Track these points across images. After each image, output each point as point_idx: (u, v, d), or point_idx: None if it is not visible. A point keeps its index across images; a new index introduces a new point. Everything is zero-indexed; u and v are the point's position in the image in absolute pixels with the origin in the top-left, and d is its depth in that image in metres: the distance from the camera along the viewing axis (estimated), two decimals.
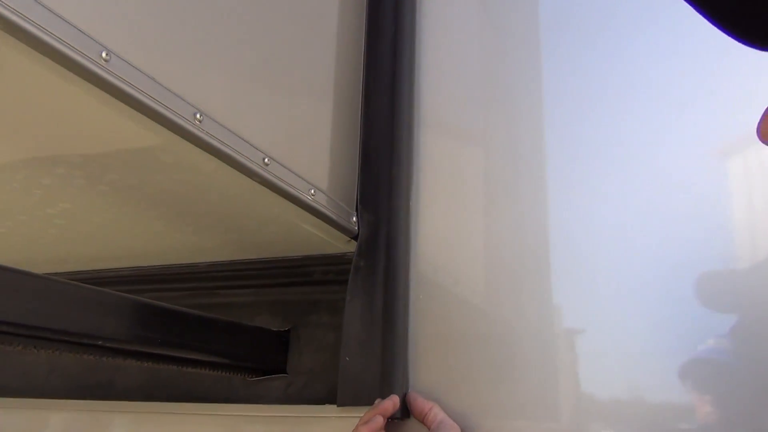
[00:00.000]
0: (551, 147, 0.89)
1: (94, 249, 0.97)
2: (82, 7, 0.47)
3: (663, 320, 0.77)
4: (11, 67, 0.48)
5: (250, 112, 0.67)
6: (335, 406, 0.83)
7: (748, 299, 0.75)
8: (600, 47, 0.90)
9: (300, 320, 0.95)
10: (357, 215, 0.86)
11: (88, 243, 0.94)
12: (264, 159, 0.67)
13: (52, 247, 0.95)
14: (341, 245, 0.88)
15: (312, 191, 0.75)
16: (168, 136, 0.57)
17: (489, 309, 0.85)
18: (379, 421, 0.77)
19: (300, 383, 0.93)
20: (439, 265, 0.89)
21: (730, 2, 0.44)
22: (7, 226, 0.87)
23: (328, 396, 0.89)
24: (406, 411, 0.82)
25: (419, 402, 0.81)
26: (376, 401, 0.80)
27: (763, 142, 0.43)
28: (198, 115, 0.58)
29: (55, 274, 1.03)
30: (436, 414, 0.79)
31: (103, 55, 0.48)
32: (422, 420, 0.80)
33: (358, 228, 0.86)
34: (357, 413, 0.84)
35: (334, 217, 0.80)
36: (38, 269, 1.01)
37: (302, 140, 0.77)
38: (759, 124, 0.43)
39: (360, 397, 0.81)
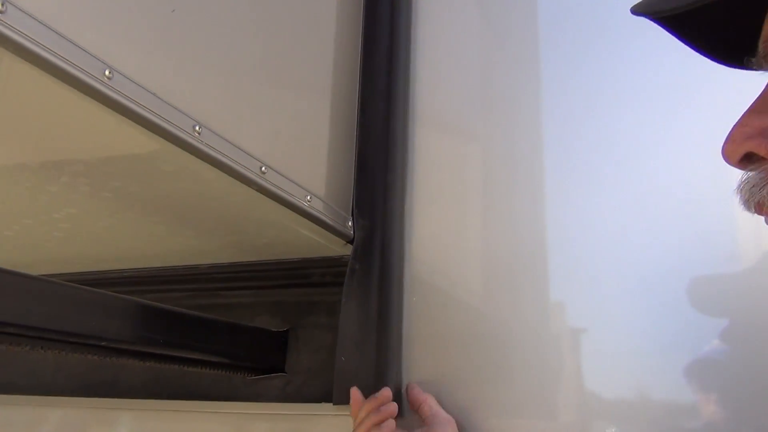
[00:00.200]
0: (548, 148, 0.90)
1: (98, 251, 0.99)
2: (86, 29, 0.49)
3: (662, 319, 0.78)
4: (20, 84, 0.51)
5: (248, 122, 0.69)
6: (331, 404, 0.85)
7: (750, 298, 0.74)
8: (599, 47, 0.91)
9: (298, 321, 0.97)
10: (352, 220, 0.88)
11: (92, 245, 0.96)
12: (261, 167, 0.69)
13: (57, 249, 0.98)
14: (338, 248, 0.90)
15: (308, 197, 0.78)
16: (168, 147, 0.60)
17: (486, 309, 0.87)
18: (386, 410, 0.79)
19: (298, 382, 0.95)
20: (435, 267, 0.91)
21: (696, 26, 0.46)
22: (14, 230, 0.89)
23: (325, 394, 0.91)
24: (399, 409, 0.84)
25: (415, 392, 0.83)
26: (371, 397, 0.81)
27: (728, 162, 0.44)
28: (197, 127, 0.60)
29: (60, 274, 1.06)
30: (431, 406, 0.81)
31: (107, 73, 0.51)
32: (417, 410, 0.82)
33: (354, 232, 0.88)
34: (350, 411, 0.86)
35: (330, 222, 0.82)
36: (43, 270, 1.05)
37: (298, 148, 0.80)
38: (723, 146, 0.44)
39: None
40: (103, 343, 0.70)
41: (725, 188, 0.78)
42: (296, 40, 0.81)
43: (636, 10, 0.44)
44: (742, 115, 0.44)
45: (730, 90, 0.85)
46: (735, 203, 0.44)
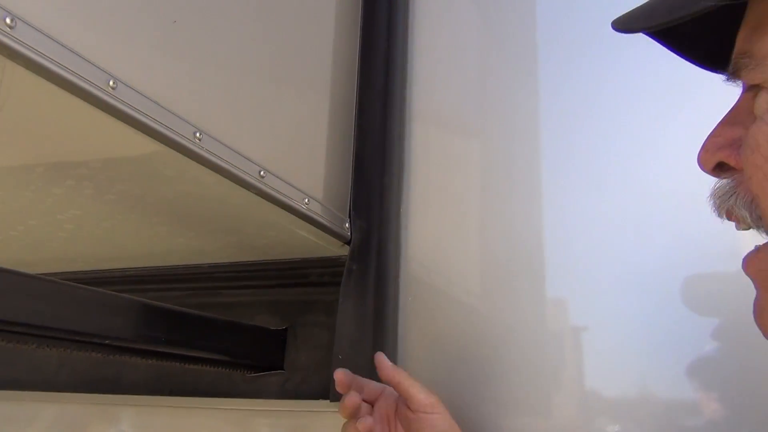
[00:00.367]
0: (545, 148, 0.90)
1: (102, 250, 1.01)
2: (91, 42, 0.51)
3: (662, 317, 0.78)
4: (29, 93, 0.53)
5: (247, 128, 0.71)
6: (329, 400, 0.87)
7: (751, 295, 0.74)
8: (597, 45, 0.91)
9: (297, 319, 0.99)
10: (349, 222, 0.90)
11: (96, 245, 0.98)
12: (260, 172, 0.71)
13: (61, 248, 1.00)
14: (335, 249, 0.92)
15: (306, 200, 0.80)
16: (170, 153, 0.62)
17: (483, 308, 0.88)
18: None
19: (297, 379, 0.97)
20: (432, 267, 0.93)
21: (679, 38, 0.48)
22: (19, 230, 0.91)
23: (323, 391, 0.92)
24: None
25: (385, 367, 0.74)
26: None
27: (703, 170, 0.46)
28: (198, 134, 0.62)
29: (63, 273, 1.08)
30: (417, 391, 0.72)
31: (111, 83, 0.53)
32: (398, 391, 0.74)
33: (351, 234, 0.90)
34: None
35: (327, 224, 0.84)
36: (47, 268, 1.07)
37: (296, 153, 0.82)
38: (698, 154, 0.46)
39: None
40: (106, 342, 0.72)
41: None
42: (294, 48, 0.83)
43: (613, 26, 0.46)
44: (716, 126, 0.46)
45: (728, 92, 0.86)
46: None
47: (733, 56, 0.43)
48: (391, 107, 0.96)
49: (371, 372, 0.86)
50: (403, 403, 0.74)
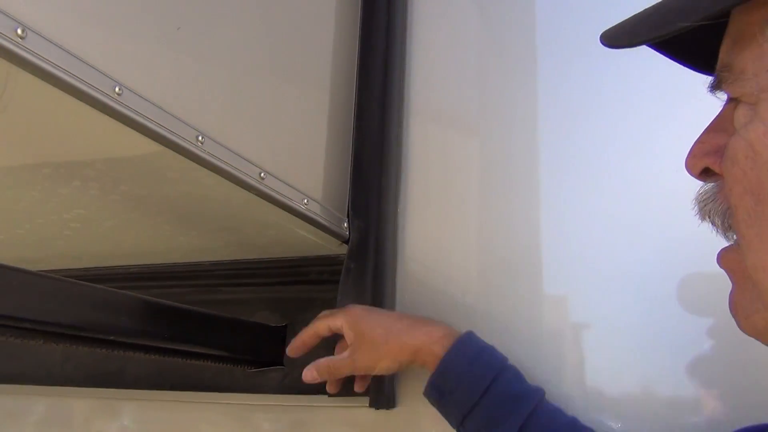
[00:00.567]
0: (544, 149, 0.91)
1: (105, 248, 1.03)
2: (98, 50, 0.53)
3: (662, 315, 0.78)
4: (38, 99, 0.55)
5: (247, 131, 0.73)
6: (327, 395, 0.90)
7: None
8: (597, 43, 0.87)
9: (296, 316, 1.01)
10: (348, 221, 0.92)
11: (100, 243, 1.00)
12: (260, 173, 0.73)
13: (66, 246, 1.02)
14: (334, 248, 0.94)
15: (305, 201, 0.82)
16: (173, 156, 0.64)
17: (480, 306, 0.88)
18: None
19: (296, 375, 0.97)
20: (429, 265, 0.93)
21: (668, 47, 0.49)
22: (26, 228, 0.93)
23: (321, 387, 0.93)
24: (391, 401, 0.88)
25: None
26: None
27: (690, 174, 0.48)
28: (200, 137, 0.64)
29: (69, 270, 1.10)
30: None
31: (117, 89, 0.55)
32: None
33: (349, 233, 0.92)
34: (346, 403, 0.90)
35: (326, 223, 0.86)
36: (52, 265, 1.09)
37: (296, 154, 0.84)
38: (686, 159, 0.48)
39: (348, 388, 0.88)
40: (111, 338, 0.75)
41: None
42: (294, 53, 0.85)
43: (601, 40, 0.48)
44: (702, 132, 0.48)
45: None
46: None
47: (717, 69, 0.44)
48: (389, 109, 0.97)
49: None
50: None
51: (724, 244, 0.47)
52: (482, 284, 0.90)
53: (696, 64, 0.50)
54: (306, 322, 0.99)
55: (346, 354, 0.80)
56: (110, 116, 0.55)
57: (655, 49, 0.50)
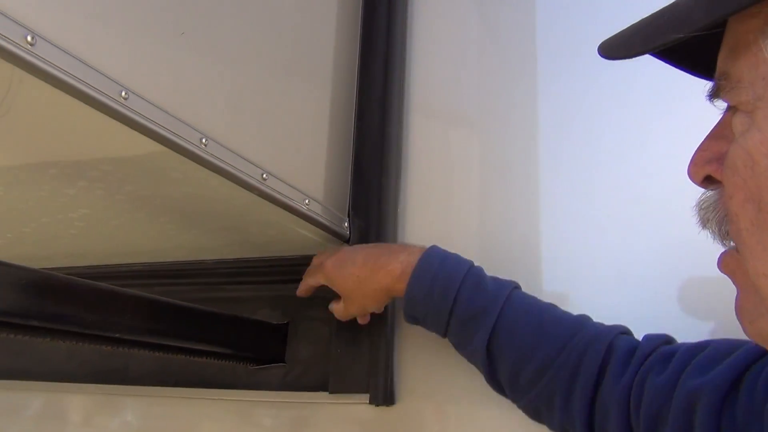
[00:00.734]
0: (544, 149, 0.92)
1: (110, 247, 1.05)
2: (104, 56, 0.55)
3: (661, 313, 0.79)
4: (46, 103, 0.56)
5: (250, 133, 0.74)
6: (328, 392, 0.92)
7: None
8: (597, 40, 0.91)
9: (297, 314, 1.02)
10: (348, 221, 0.93)
11: (105, 242, 1.01)
12: (262, 175, 0.74)
13: (71, 244, 1.03)
14: (335, 247, 0.95)
15: (307, 201, 0.83)
16: (177, 157, 0.65)
17: None
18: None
19: (297, 372, 1.00)
20: None
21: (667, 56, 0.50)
22: (32, 227, 0.95)
23: (322, 383, 0.96)
24: (390, 398, 0.90)
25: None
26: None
27: (693, 182, 0.48)
28: (203, 140, 0.66)
29: (74, 268, 1.11)
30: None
31: (123, 94, 0.56)
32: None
33: (350, 232, 0.93)
34: (346, 400, 0.92)
35: (327, 223, 0.88)
36: (58, 263, 1.11)
37: (298, 155, 0.85)
38: (688, 167, 0.48)
39: (349, 385, 0.90)
40: (116, 335, 0.76)
41: None
42: (296, 56, 0.86)
43: (599, 51, 0.48)
44: (703, 140, 0.48)
45: None
46: None
47: (715, 77, 0.44)
48: (389, 110, 0.98)
49: (369, 369, 0.89)
50: None
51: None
52: None
53: (698, 70, 0.50)
54: (307, 320, 1.01)
55: (340, 305, 0.88)
56: (116, 119, 0.57)
57: (656, 57, 0.50)
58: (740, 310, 0.46)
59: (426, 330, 0.86)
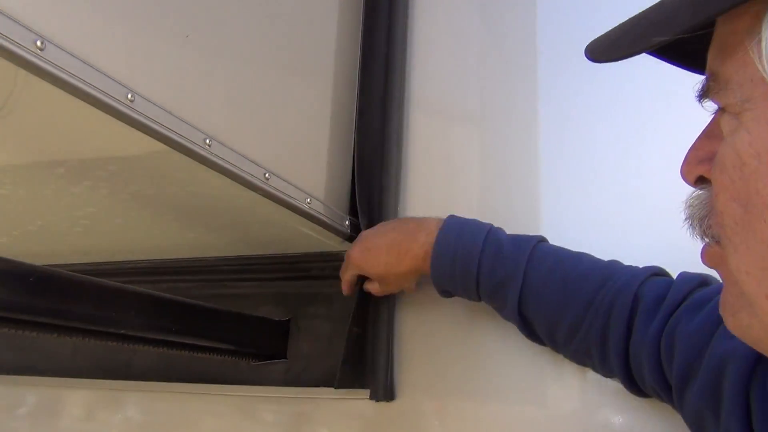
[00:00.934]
0: (545, 148, 0.92)
1: (115, 244, 1.06)
2: (111, 60, 0.56)
3: None
4: (55, 106, 0.58)
5: (253, 133, 0.76)
6: (330, 387, 0.92)
7: None
8: (598, 35, 0.92)
9: (299, 311, 1.03)
10: (350, 219, 0.95)
11: (110, 239, 1.03)
12: (265, 174, 0.76)
13: (76, 242, 1.04)
14: (336, 245, 0.96)
15: (308, 200, 0.84)
16: (181, 158, 0.66)
17: (483, 304, 0.86)
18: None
19: (299, 367, 1.01)
20: None
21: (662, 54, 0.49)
22: (38, 225, 0.96)
23: (323, 379, 0.97)
24: (390, 393, 0.91)
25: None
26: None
27: (685, 182, 0.48)
28: (207, 140, 0.67)
29: (78, 264, 1.13)
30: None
31: (129, 96, 0.58)
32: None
33: (351, 230, 0.95)
34: (347, 395, 0.93)
35: (328, 221, 0.89)
36: (63, 260, 1.12)
37: (300, 155, 0.86)
38: (681, 167, 0.48)
39: (351, 380, 0.91)
40: (121, 331, 0.78)
41: None
42: (297, 57, 0.87)
43: (586, 53, 0.49)
44: (696, 139, 0.48)
45: None
46: None
47: (705, 77, 0.44)
48: (390, 109, 0.99)
49: (369, 362, 0.91)
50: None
51: None
52: None
53: (697, 65, 0.49)
54: (308, 317, 1.02)
55: (375, 285, 0.90)
56: (123, 121, 0.58)
57: (651, 55, 0.49)
58: (723, 304, 0.46)
59: (426, 326, 0.88)
